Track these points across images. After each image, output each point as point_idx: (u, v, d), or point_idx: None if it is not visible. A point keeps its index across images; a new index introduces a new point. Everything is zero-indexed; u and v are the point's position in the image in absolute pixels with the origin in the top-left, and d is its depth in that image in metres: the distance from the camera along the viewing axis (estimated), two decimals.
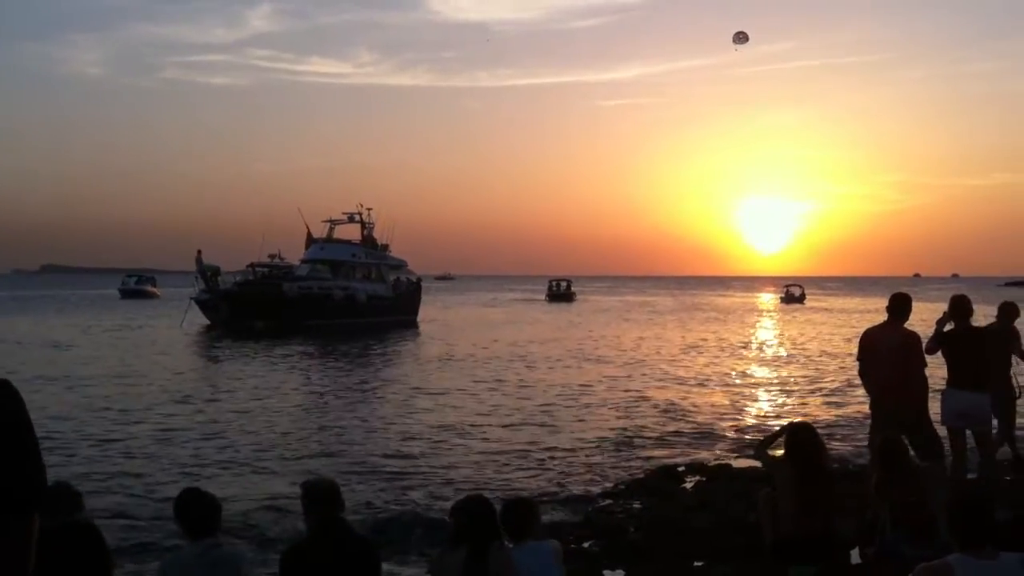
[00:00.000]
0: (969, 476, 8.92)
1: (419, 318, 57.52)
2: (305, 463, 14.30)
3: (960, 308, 8.69)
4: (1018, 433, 11.52)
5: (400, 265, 60.61)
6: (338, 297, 50.84)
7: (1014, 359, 10.47)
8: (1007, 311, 11.09)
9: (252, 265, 53.07)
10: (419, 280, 63.19)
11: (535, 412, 19.71)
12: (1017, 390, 10.56)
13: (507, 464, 14.31)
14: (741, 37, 26.28)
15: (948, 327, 8.68)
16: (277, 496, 11.88)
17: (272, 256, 54.11)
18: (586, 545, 9.01)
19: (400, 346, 39.95)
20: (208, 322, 48.09)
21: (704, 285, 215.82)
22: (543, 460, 14.56)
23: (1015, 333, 10.93)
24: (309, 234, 55.47)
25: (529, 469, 13.92)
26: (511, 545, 5.36)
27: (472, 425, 17.98)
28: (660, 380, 25.95)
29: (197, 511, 5.07)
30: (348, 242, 56.46)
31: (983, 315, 11.07)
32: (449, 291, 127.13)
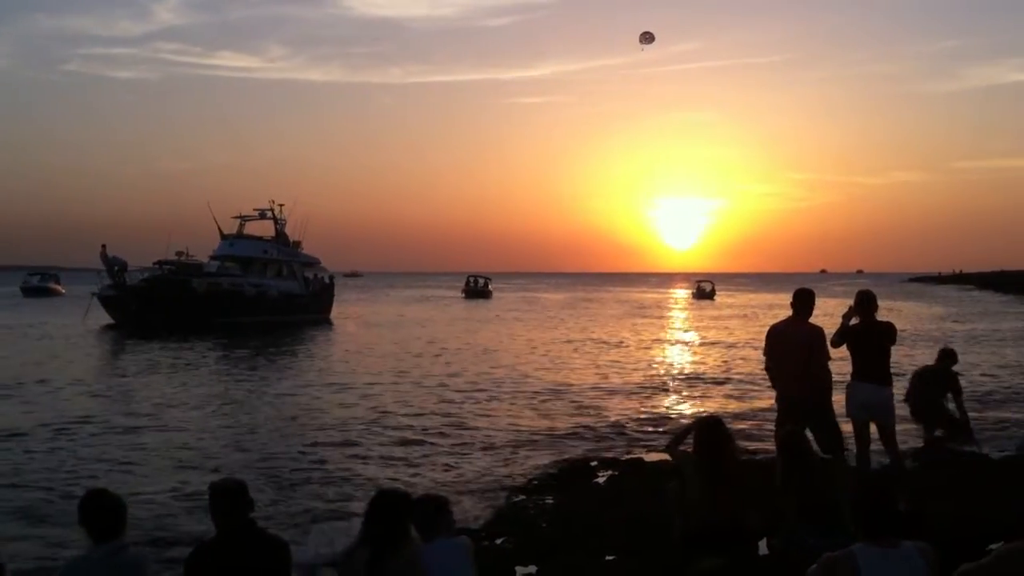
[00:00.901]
0: (872, 467, 9.13)
1: (332, 316, 56.87)
2: (212, 462, 14.01)
3: (865, 303, 8.87)
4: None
5: (313, 262, 59.87)
6: (249, 294, 50.01)
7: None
8: (947, 355, 11.65)
9: (159, 262, 51.67)
10: (332, 277, 62.53)
11: (448, 408, 19.62)
12: (955, 421, 11.23)
13: (419, 460, 14.21)
14: (647, 37, 26.57)
15: (853, 321, 8.86)
16: (184, 496, 11.64)
17: (179, 254, 52.78)
18: (498, 541, 8.96)
19: (312, 344, 39.42)
20: (111, 320, 46.66)
21: (620, 281, 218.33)
22: (455, 456, 14.49)
23: (953, 376, 11.46)
24: (220, 231, 54.42)
25: (441, 465, 13.83)
26: (422, 542, 5.31)
27: (384, 421, 17.81)
28: (573, 375, 26.07)
29: (102, 513, 4.92)
30: (259, 239, 55.52)
31: (887, 309, 11.42)
32: (361, 288, 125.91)
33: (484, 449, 15.09)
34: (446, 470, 13.50)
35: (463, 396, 21.50)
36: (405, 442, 15.79)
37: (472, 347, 35.97)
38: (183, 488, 12.19)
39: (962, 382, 12.43)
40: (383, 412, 19.04)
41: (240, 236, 54.91)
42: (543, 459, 14.17)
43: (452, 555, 5.41)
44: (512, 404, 20.26)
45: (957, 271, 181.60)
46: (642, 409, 19.63)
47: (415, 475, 13.11)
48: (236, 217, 55.50)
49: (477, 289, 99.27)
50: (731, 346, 36.47)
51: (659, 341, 40.38)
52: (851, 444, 9.06)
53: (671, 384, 24.62)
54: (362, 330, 46.81)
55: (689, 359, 32.11)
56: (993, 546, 5.34)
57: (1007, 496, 8.28)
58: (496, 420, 18.06)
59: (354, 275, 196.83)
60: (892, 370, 9.02)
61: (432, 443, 15.71)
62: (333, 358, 32.34)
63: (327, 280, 60.93)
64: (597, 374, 26.46)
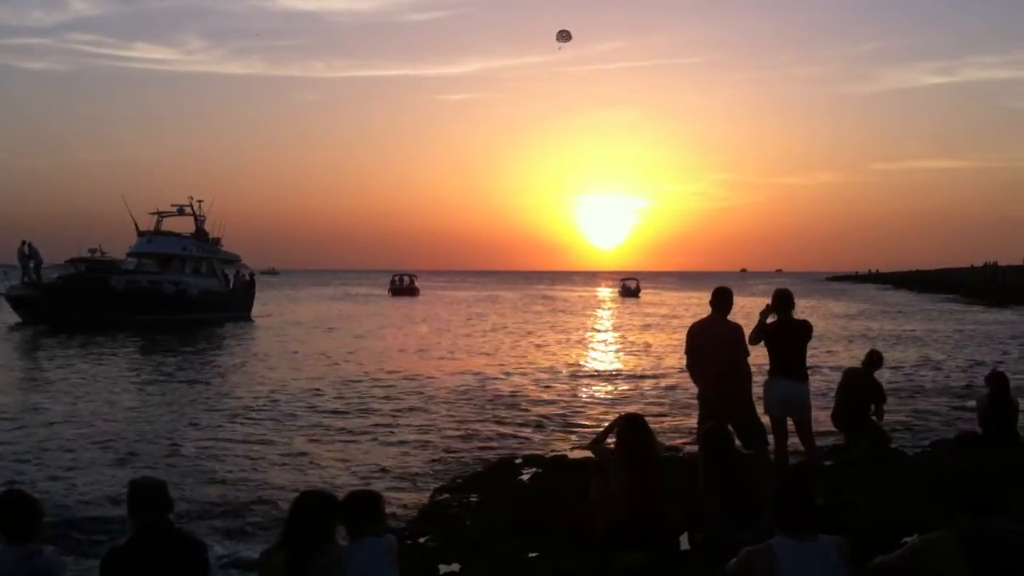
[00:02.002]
0: (791, 462, 9.29)
1: (253, 314, 56.02)
2: (131, 462, 13.73)
3: (783, 301, 9.01)
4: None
5: (233, 259, 58.83)
6: (168, 291, 48.97)
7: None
8: (872, 359, 11.81)
9: (73, 260, 50.13)
10: (253, 275, 61.58)
11: (371, 406, 19.51)
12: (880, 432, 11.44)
13: (343, 459, 14.10)
14: (564, 35, 26.67)
15: (771, 319, 8.99)
16: (102, 497, 11.41)
17: (93, 251, 51.25)
18: (422, 540, 8.92)
19: (233, 342, 38.76)
20: (19, 319, 44.96)
21: (546, 279, 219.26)
22: (378, 454, 14.41)
23: (876, 382, 11.65)
24: (136, 227, 53.16)
25: (364, 464, 13.74)
26: (347, 542, 5.25)
27: (306, 420, 17.65)
28: (498, 373, 26.10)
29: (17, 515, 4.80)
30: (178, 235, 54.38)
31: (805, 307, 11.63)
32: (284, 286, 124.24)
33: (407, 448, 15.03)
34: (368, 469, 13.41)
35: (385, 395, 21.37)
36: (328, 441, 15.65)
37: (395, 345, 35.80)
38: (100, 488, 11.94)
39: (884, 378, 12.62)
40: (303, 411, 18.86)
41: (158, 233, 53.70)
42: (467, 457, 14.17)
43: (375, 555, 5.36)
44: (435, 403, 20.18)
45: (874, 271, 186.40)
46: (566, 407, 19.73)
47: (337, 474, 13.00)
48: (153, 213, 54.26)
49: (403, 287, 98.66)
50: (654, 344, 36.87)
51: (584, 339, 40.65)
52: (771, 439, 9.19)
53: (595, 382, 24.80)
54: (283, 328, 46.18)
55: (613, 357, 32.38)
56: (907, 539, 5.47)
57: (921, 491, 8.49)
58: (419, 419, 17.99)
59: (271, 272, 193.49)
60: (809, 366, 9.19)
61: (354, 442, 15.59)
62: (253, 356, 31.83)
63: (248, 277, 59.95)
64: (521, 372, 26.51)
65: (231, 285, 56.83)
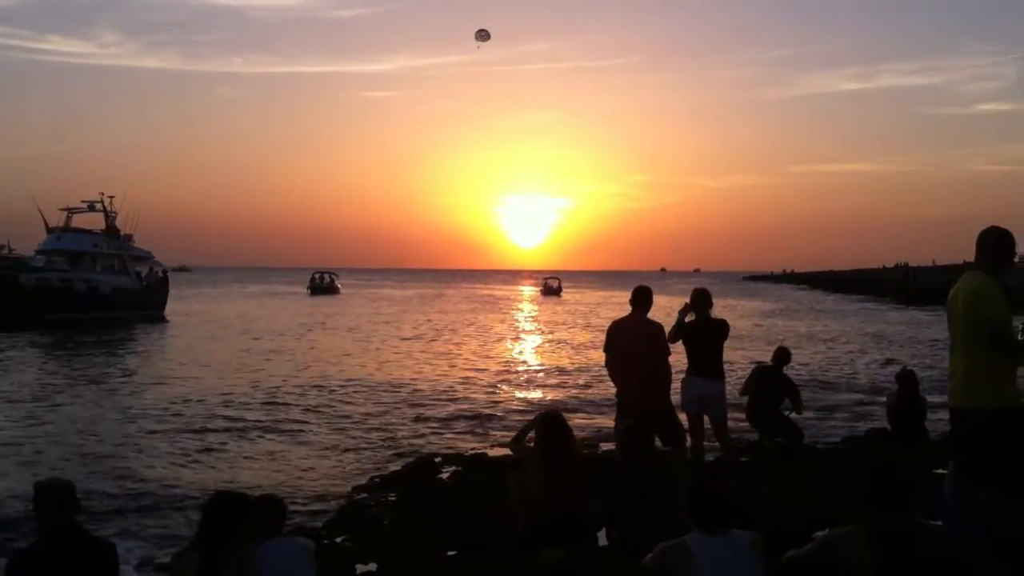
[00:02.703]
0: (707, 459, 9.40)
1: (167, 312, 54.87)
2: (37, 463, 13.34)
3: (700, 300, 9.11)
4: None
5: (145, 256, 57.57)
6: (80, 289, 47.73)
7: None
8: (780, 355, 12.00)
9: None
10: (166, 272, 60.31)
11: (287, 406, 19.25)
12: (793, 427, 11.64)
13: (258, 460, 13.90)
14: (483, 35, 26.63)
15: (689, 318, 9.09)
16: (7, 498, 11.10)
17: (0, 248, 49.72)
18: (339, 540, 8.82)
19: (145, 340, 37.94)
20: None
21: (468, 278, 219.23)
22: (294, 455, 14.23)
23: (787, 378, 11.84)
24: (46, 224, 51.63)
25: (280, 464, 13.56)
26: (259, 544, 5.17)
27: (220, 420, 17.32)
28: (417, 371, 26.00)
29: None
30: (89, 232, 52.97)
31: (722, 307, 11.79)
32: (199, 283, 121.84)
33: (325, 447, 14.87)
34: (285, 469, 13.23)
35: (301, 395, 21.08)
36: (242, 441, 15.41)
37: (313, 344, 35.36)
38: (6, 489, 11.61)
39: (797, 374, 12.89)
40: (216, 411, 18.51)
41: (68, 229, 52.24)
42: (386, 456, 14.07)
43: (290, 556, 5.30)
44: (353, 402, 19.99)
45: (789, 271, 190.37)
46: (486, 405, 19.73)
47: (252, 475, 12.80)
48: (63, 209, 52.76)
49: (323, 285, 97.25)
50: (575, 342, 37.11)
51: (505, 338, 40.72)
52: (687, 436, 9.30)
53: (515, 380, 24.85)
54: (198, 327, 45.30)
55: (534, 355, 32.49)
56: (818, 533, 5.57)
57: (832, 486, 8.67)
58: (336, 418, 17.80)
59: (183, 270, 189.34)
60: (725, 365, 9.31)
61: (272, 441, 15.39)
62: (165, 355, 31.23)
63: (161, 274, 58.69)
64: (442, 371, 26.46)
65: (144, 282, 55.63)
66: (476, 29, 27.45)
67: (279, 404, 19.60)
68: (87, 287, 48.33)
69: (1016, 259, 6.54)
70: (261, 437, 15.79)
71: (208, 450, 14.60)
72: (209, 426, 16.76)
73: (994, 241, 5.76)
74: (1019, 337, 5.72)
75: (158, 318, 51.46)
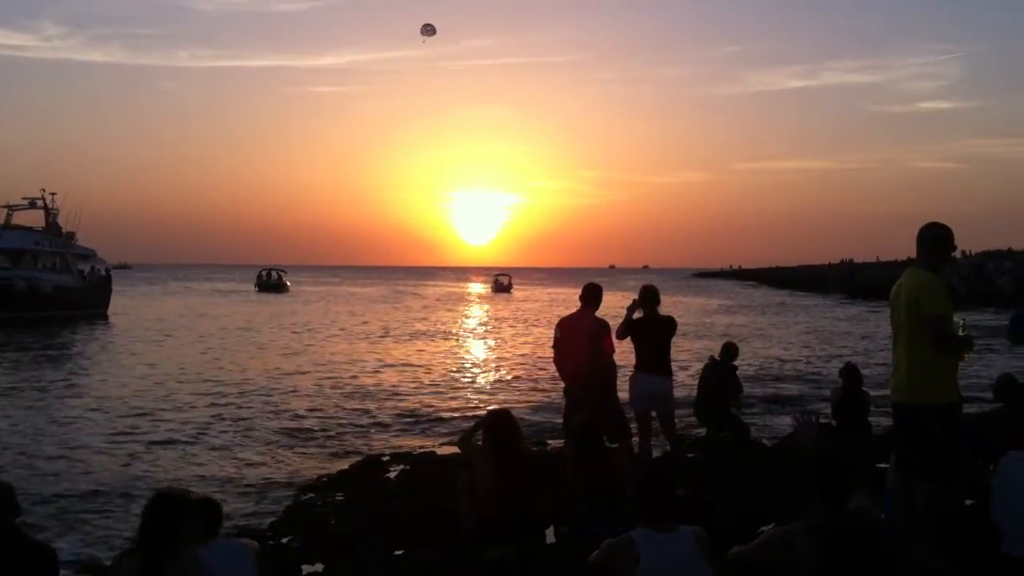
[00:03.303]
0: (654, 455, 9.45)
1: (111, 311, 53.95)
2: None
3: (649, 297, 9.16)
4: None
5: (88, 254, 56.50)
6: (20, 288, 46.72)
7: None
8: (728, 351, 12.06)
9: None
10: (109, 271, 59.26)
11: (232, 406, 19.03)
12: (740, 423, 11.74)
13: (201, 460, 13.73)
14: (428, 29, 26.45)
15: (637, 315, 9.12)
16: None
17: None
18: (285, 541, 8.72)
19: (87, 340, 37.24)
20: None
21: (418, 275, 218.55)
22: (240, 454, 14.07)
23: (733, 375, 11.92)
24: None
25: (224, 464, 13.42)
26: (202, 546, 5.08)
27: (163, 421, 17.06)
28: (367, 370, 25.83)
29: None
30: (29, 229, 51.89)
31: (670, 303, 11.84)
32: (142, 282, 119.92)
33: (271, 447, 14.70)
34: (231, 469, 13.07)
35: (248, 394, 20.85)
36: (186, 442, 15.19)
37: (259, 343, 34.96)
38: None
39: (744, 370, 12.97)
40: (159, 412, 18.23)
41: (8, 226, 51.11)
42: (333, 456, 13.96)
43: (234, 558, 5.23)
44: (301, 401, 19.80)
45: (737, 267, 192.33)
46: (435, 404, 19.65)
47: (199, 476, 12.63)
48: (3, 206, 51.60)
49: (271, 283, 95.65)
50: (525, 339, 37.15)
51: (455, 336, 40.61)
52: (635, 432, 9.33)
53: (465, 378, 24.79)
54: (141, 327, 44.58)
55: (483, 353, 32.47)
56: (763, 529, 5.60)
57: (778, 481, 8.74)
58: (283, 417, 17.62)
59: (123, 267, 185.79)
60: (673, 363, 9.37)
61: (216, 441, 15.21)
62: (107, 355, 30.68)
63: (103, 273, 57.65)
64: (391, 369, 26.33)
65: (86, 281, 54.64)
66: (424, 24, 27.39)
67: (223, 403, 19.35)
68: (27, 286, 47.35)
69: (956, 255, 6.64)
70: (204, 436, 15.57)
71: (150, 451, 14.38)
72: (152, 427, 16.51)
73: (934, 238, 5.84)
74: (960, 333, 5.79)
75: (101, 317, 50.62)
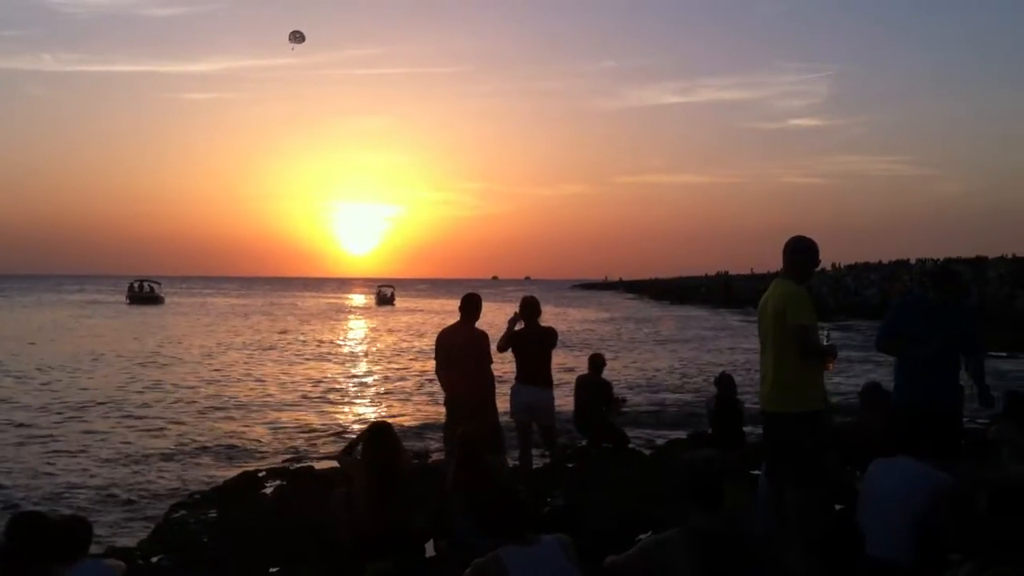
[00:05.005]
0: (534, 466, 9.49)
1: None
2: None
3: (530, 308, 9.21)
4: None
5: None
6: None
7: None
8: (595, 362, 12.21)
9: None
10: None
11: (99, 421, 18.34)
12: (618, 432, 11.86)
13: (65, 476, 13.22)
14: (297, 36, 25.70)
15: (518, 326, 9.16)
16: None
17: None
18: (155, 560, 8.43)
19: None
20: None
21: (299, 286, 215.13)
22: (109, 471, 13.57)
23: (606, 383, 12.07)
24: None
25: (90, 480, 12.93)
26: (65, 567, 4.91)
27: (26, 435, 16.39)
28: (242, 385, 25.24)
29: None
30: None
31: (551, 315, 11.94)
32: (3, 292, 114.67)
33: (141, 463, 14.24)
34: (97, 486, 12.60)
35: (118, 410, 20.06)
36: (50, 456, 14.60)
37: (132, 357, 33.73)
38: None
39: (622, 380, 13.18)
40: (25, 426, 17.48)
41: None
42: (207, 472, 13.60)
43: None
44: (173, 416, 19.19)
45: (616, 279, 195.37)
46: (314, 418, 19.34)
47: (63, 493, 12.12)
48: None
49: (143, 295, 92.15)
50: (406, 351, 36.92)
51: (335, 348, 40.05)
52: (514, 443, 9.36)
53: (344, 392, 24.47)
54: (1, 338, 42.57)
55: (364, 366, 32.11)
56: (641, 537, 5.68)
57: (656, 490, 8.89)
58: (154, 432, 17.07)
59: None
60: (554, 372, 9.44)
61: (82, 456, 14.66)
62: None
63: None
64: (268, 384, 25.76)
65: None
66: (292, 31, 26.25)
67: (90, 417, 18.66)
68: None
69: (825, 267, 6.88)
70: (74, 453, 14.96)
71: (9, 469, 13.71)
72: (11, 441, 15.77)
73: (799, 251, 6.05)
74: (824, 342, 6.00)
75: None
